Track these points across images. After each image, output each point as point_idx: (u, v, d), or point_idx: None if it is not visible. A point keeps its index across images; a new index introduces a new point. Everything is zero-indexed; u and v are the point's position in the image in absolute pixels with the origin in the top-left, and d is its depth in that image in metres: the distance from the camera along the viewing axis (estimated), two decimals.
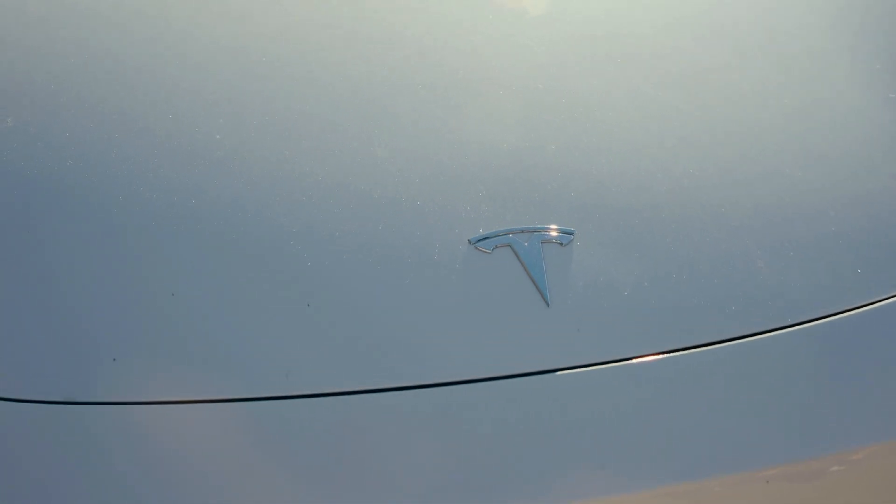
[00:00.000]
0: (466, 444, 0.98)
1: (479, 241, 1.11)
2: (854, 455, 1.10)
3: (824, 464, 1.09)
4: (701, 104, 1.34)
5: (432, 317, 1.05)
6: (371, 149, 1.19)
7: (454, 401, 1.00)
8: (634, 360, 1.05)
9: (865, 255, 1.20)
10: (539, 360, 1.04)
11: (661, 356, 1.06)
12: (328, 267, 1.07)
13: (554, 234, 1.13)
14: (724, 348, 1.08)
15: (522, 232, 1.12)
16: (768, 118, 1.35)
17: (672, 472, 1.02)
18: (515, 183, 1.18)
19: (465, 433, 0.98)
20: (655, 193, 1.20)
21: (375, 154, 1.18)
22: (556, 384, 1.02)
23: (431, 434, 0.98)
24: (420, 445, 0.97)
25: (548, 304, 1.07)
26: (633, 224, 1.16)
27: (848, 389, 1.10)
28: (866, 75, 1.43)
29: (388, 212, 1.12)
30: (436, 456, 0.97)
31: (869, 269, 1.18)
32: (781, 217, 1.21)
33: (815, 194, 1.24)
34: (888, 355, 1.13)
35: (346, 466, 0.96)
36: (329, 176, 1.15)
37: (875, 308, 1.15)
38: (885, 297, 1.16)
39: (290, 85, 1.27)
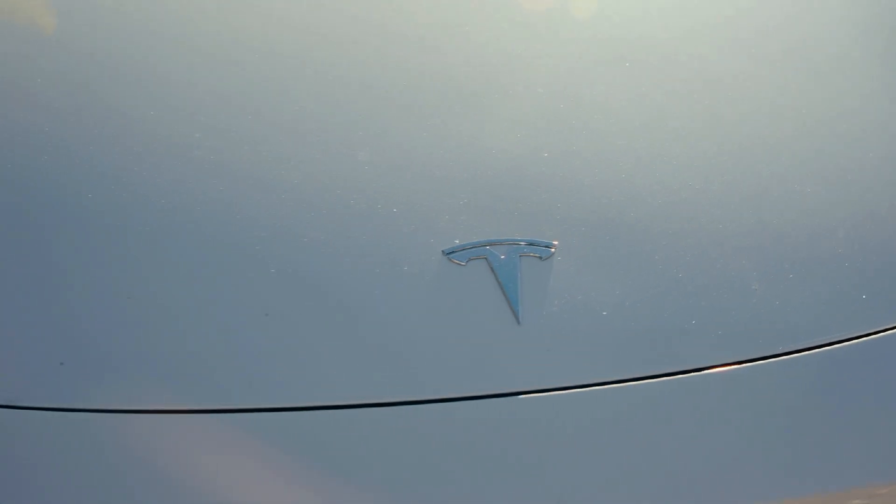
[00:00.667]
0: (421, 465, 0.93)
1: (453, 252, 1.06)
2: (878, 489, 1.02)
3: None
4: (712, 114, 1.27)
5: (396, 331, 1.00)
6: (352, 151, 1.14)
7: (411, 421, 0.95)
8: (607, 386, 0.99)
9: (874, 280, 1.11)
10: (504, 381, 0.98)
11: (637, 382, 0.99)
12: (291, 274, 1.03)
13: (534, 247, 1.07)
14: (709, 375, 1.01)
15: (500, 244, 1.07)
16: (784, 131, 1.27)
17: None
18: (501, 191, 1.12)
19: (421, 454, 0.93)
20: (650, 208, 1.13)
21: (355, 157, 1.14)
22: (520, 407, 0.97)
23: (387, 455, 0.93)
24: (373, 465, 0.93)
25: (518, 322, 1.02)
26: (622, 240, 1.09)
27: (841, 425, 1.02)
28: None
29: (360, 218, 1.07)
30: (389, 476, 0.92)
31: (877, 296, 1.10)
32: (786, 237, 1.13)
33: (826, 213, 1.16)
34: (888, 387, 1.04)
35: (288, 484, 0.92)
36: (304, 179, 1.11)
37: (880, 338, 1.06)
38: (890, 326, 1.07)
39: (268, 85, 1.23)
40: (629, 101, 1.27)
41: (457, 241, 1.07)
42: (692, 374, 1.00)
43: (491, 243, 1.07)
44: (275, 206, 1.07)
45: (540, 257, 1.07)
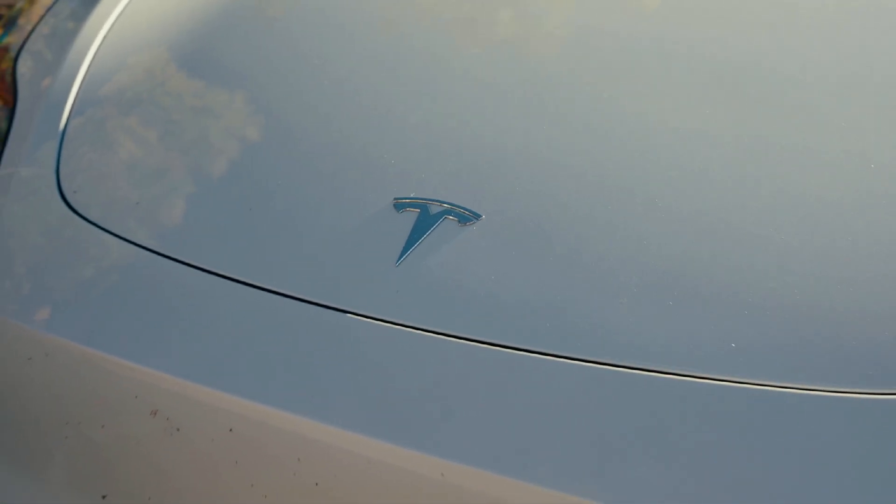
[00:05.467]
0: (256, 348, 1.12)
1: (400, 200, 1.20)
2: None
3: None
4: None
5: (316, 237, 1.19)
6: (398, 114, 1.33)
7: (269, 306, 1.14)
8: (420, 332, 1.06)
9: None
10: (344, 298, 1.11)
11: (454, 339, 1.05)
12: (283, 185, 1.27)
13: (460, 212, 1.17)
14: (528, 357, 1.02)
15: (440, 203, 1.18)
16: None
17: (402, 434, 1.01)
18: (483, 166, 1.22)
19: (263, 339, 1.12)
20: (603, 222, 1.13)
21: (397, 117, 1.32)
22: (339, 322, 1.10)
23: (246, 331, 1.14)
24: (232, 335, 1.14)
25: (396, 264, 1.13)
26: (546, 237, 1.12)
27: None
28: None
29: (361, 161, 1.27)
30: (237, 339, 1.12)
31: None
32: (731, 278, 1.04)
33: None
34: None
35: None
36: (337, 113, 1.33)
37: None
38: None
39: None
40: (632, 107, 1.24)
41: (412, 194, 1.21)
42: (517, 351, 1.02)
43: (434, 201, 1.19)
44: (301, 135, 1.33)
45: (459, 222, 1.16)
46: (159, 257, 1.21)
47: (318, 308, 1.11)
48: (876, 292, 1.03)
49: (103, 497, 1.20)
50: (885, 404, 0.95)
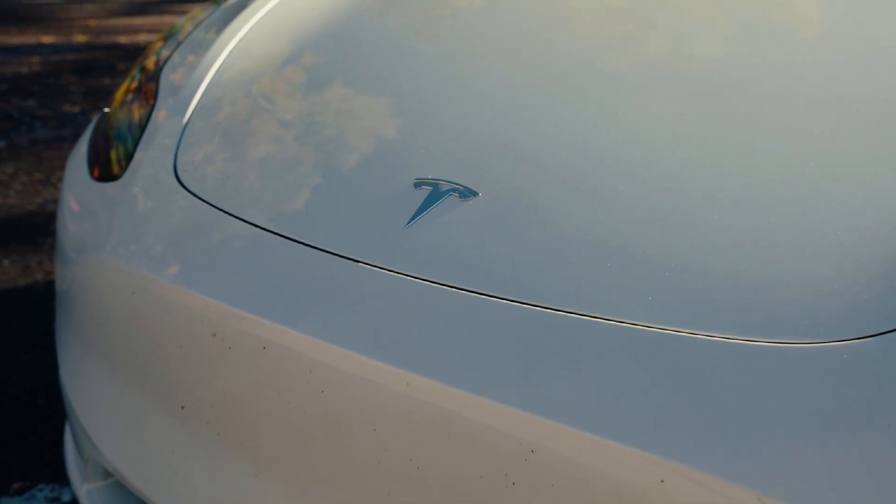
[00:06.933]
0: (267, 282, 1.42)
1: (420, 180, 1.49)
2: None
3: None
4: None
5: (350, 207, 1.48)
6: (431, 115, 1.61)
7: (300, 255, 1.44)
8: (405, 277, 1.34)
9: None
10: (360, 251, 1.40)
11: (440, 286, 1.32)
12: (336, 166, 1.58)
13: (462, 189, 1.44)
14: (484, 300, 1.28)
15: (448, 182, 1.46)
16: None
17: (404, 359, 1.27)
18: (487, 156, 1.49)
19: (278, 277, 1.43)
20: (569, 203, 1.37)
21: (439, 117, 1.61)
22: (352, 269, 1.39)
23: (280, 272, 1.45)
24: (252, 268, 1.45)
25: (404, 226, 1.41)
26: (530, 209, 1.38)
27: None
28: None
29: (396, 150, 1.56)
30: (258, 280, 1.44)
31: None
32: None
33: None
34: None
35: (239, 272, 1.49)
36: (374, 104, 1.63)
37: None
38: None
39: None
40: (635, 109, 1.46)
41: (430, 176, 1.49)
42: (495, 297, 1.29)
43: (445, 181, 1.46)
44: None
45: (460, 197, 1.43)
46: (230, 217, 1.54)
47: (339, 258, 1.41)
48: (770, 259, 1.24)
49: (182, 408, 1.53)
50: (768, 350, 1.15)
